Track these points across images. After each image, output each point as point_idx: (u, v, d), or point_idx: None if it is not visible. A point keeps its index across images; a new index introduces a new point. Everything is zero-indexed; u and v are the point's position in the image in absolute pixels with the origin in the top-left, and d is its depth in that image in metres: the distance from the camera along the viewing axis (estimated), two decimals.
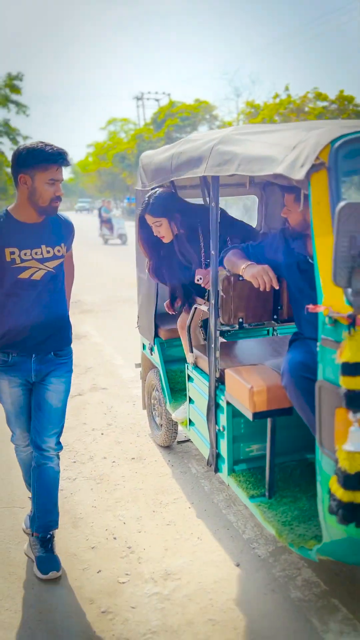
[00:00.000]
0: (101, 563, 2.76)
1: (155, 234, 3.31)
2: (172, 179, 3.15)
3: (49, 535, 2.76)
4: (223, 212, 3.19)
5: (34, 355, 2.66)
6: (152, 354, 3.88)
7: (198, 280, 3.17)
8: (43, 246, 2.56)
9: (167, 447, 3.97)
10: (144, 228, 3.37)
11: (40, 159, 2.42)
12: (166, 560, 2.76)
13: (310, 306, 1.88)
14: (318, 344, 1.92)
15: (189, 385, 3.27)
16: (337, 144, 1.98)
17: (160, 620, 2.38)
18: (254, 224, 4.05)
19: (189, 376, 3.26)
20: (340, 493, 1.74)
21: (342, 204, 1.67)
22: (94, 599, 2.52)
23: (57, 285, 2.66)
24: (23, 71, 22.24)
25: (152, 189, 3.42)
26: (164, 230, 3.27)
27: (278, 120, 25.74)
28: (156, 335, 3.78)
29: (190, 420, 3.30)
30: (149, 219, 3.27)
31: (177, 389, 3.69)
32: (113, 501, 3.31)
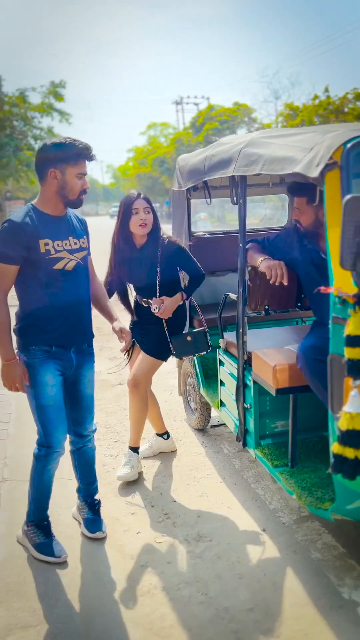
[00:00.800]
0: (140, 526, 3.06)
1: (139, 220, 3.23)
2: (205, 179, 3.44)
3: (96, 500, 3.07)
4: (182, 250, 3.39)
5: (73, 346, 2.75)
6: None
7: (154, 310, 3.33)
8: (70, 238, 2.67)
9: (201, 430, 4.25)
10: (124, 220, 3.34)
11: (72, 154, 2.53)
12: (199, 525, 3.04)
13: (322, 288, 2.14)
14: (330, 322, 2.18)
15: (220, 369, 3.55)
16: (348, 145, 2.23)
17: (192, 574, 2.66)
18: (284, 221, 4.31)
19: (220, 361, 3.55)
20: (334, 446, 2.00)
21: (348, 197, 1.93)
22: (134, 555, 2.82)
23: (86, 277, 2.76)
24: (65, 78, 22.87)
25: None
26: (149, 220, 3.25)
27: (317, 122, 25.75)
28: (191, 325, 4.06)
29: (221, 402, 3.58)
30: (141, 203, 3.22)
31: (209, 375, 3.97)
32: (151, 475, 3.62)
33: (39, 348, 2.65)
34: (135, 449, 3.61)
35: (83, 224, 2.84)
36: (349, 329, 1.98)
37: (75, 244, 2.69)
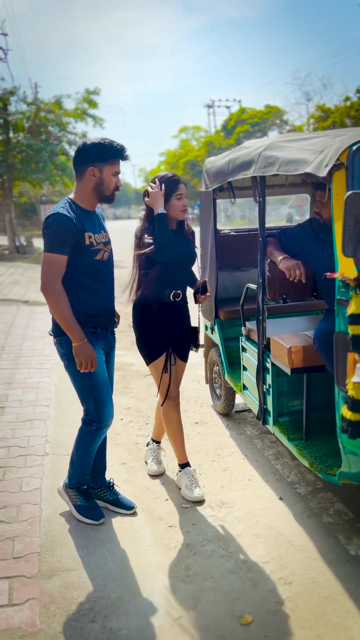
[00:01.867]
0: (168, 493, 3.38)
1: (181, 206, 3.19)
2: (229, 180, 3.75)
3: (111, 481, 3.29)
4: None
5: (109, 328, 3.03)
6: (212, 333, 4.48)
7: (198, 295, 3.32)
8: (102, 231, 2.91)
9: (226, 415, 4.55)
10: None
11: (111, 154, 2.76)
12: (221, 494, 3.35)
13: (328, 273, 2.43)
14: (335, 303, 2.46)
15: (242, 355, 3.85)
16: (354, 148, 2.52)
17: (214, 533, 2.97)
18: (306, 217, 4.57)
19: (242, 347, 3.84)
20: (349, 415, 2.28)
21: (349, 192, 2.22)
22: (163, 517, 3.14)
23: (113, 266, 3.01)
24: (100, 83, 23.41)
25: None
26: (186, 203, 3.23)
27: (349, 124, 25.74)
28: (216, 316, 4.37)
29: (243, 385, 3.88)
30: (183, 189, 3.20)
31: (233, 363, 4.27)
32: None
33: (87, 330, 2.84)
34: (185, 465, 3.43)
35: (103, 218, 3.07)
36: (351, 309, 2.27)
37: (105, 237, 2.94)
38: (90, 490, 3.19)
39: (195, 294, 3.36)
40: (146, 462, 3.74)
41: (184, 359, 3.47)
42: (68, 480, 3.15)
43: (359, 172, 2.57)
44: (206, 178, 4.33)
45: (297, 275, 3.17)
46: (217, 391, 4.62)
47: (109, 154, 2.77)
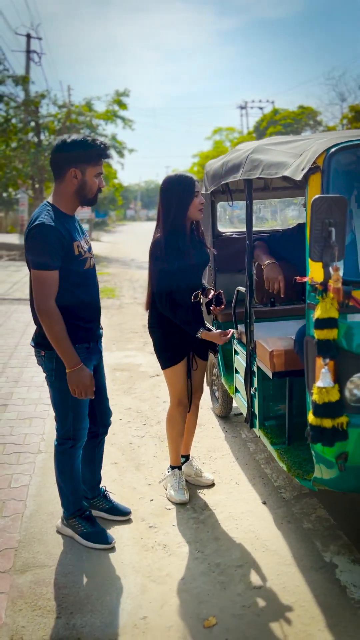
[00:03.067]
0: (154, 495, 3.40)
1: (199, 205, 3.07)
2: (222, 183, 3.75)
3: (105, 489, 3.21)
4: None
5: (99, 339, 2.89)
6: None
7: (211, 297, 3.27)
8: (84, 237, 2.72)
9: (224, 418, 4.55)
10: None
11: (95, 155, 2.53)
12: (207, 497, 3.35)
13: (298, 277, 2.41)
14: (306, 307, 2.45)
15: (235, 358, 3.84)
16: (331, 152, 2.50)
17: (193, 535, 2.97)
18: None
19: (235, 350, 3.84)
20: (311, 419, 2.26)
21: (315, 197, 2.20)
22: (145, 518, 3.16)
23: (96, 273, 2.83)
24: (132, 86, 23.59)
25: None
26: (203, 201, 3.11)
27: None
28: (214, 318, 4.37)
29: (235, 388, 3.87)
30: (199, 186, 3.10)
31: (229, 366, 4.26)
32: None
33: (81, 346, 2.68)
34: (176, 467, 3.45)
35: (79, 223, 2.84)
36: (317, 313, 2.25)
37: (87, 242, 2.75)
38: (86, 500, 3.06)
39: (208, 305, 3.30)
40: (165, 488, 3.46)
41: (205, 358, 3.42)
42: (66, 512, 2.94)
43: (335, 176, 2.56)
44: (206, 180, 4.34)
45: (275, 289, 3.16)
46: (216, 394, 4.62)
47: (92, 154, 2.56)
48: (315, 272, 2.36)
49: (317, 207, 2.19)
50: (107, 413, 3.08)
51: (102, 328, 2.96)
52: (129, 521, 3.11)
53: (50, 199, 2.64)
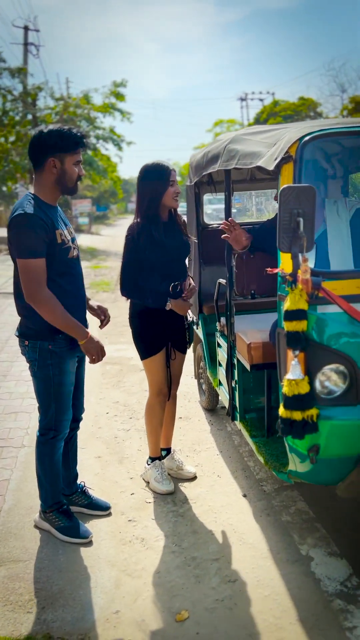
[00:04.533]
0: (135, 488, 3.39)
1: (174, 193, 3.08)
2: (203, 173, 3.71)
3: (83, 484, 3.20)
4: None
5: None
6: (197, 328, 4.46)
7: (188, 287, 3.19)
8: (67, 227, 2.73)
9: (211, 410, 4.53)
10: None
11: (71, 143, 2.57)
12: (188, 490, 3.34)
13: (269, 269, 2.38)
14: (277, 299, 2.42)
15: (218, 350, 3.82)
16: (303, 141, 2.46)
17: (171, 529, 2.96)
18: None
19: (217, 343, 3.82)
20: (281, 411, 2.24)
21: (283, 186, 2.17)
22: (125, 512, 3.15)
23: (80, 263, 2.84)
24: (133, 78, 23.48)
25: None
26: (178, 190, 3.13)
27: None
28: (200, 311, 4.35)
29: (219, 381, 3.85)
30: (175, 175, 3.11)
31: (215, 359, 4.24)
32: None
33: (64, 336, 2.68)
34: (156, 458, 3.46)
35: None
36: (286, 305, 2.22)
37: (71, 233, 2.77)
38: (64, 497, 3.03)
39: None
40: (147, 482, 3.43)
41: (184, 351, 3.43)
42: (43, 504, 2.93)
43: (307, 165, 2.53)
44: (190, 172, 4.31)
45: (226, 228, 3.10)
46: (203, 386, 4.60)
47: (69, 142, 2.59)
48: (286, 264, 2.33)
49: (286, 197, 2.15)
50: (80, 408, 3.08)
51: (86, 320, 2.90)
52: (108, 515, 3.10)
53: (31, 190, 2.67)
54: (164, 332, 3.23)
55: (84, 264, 16.68)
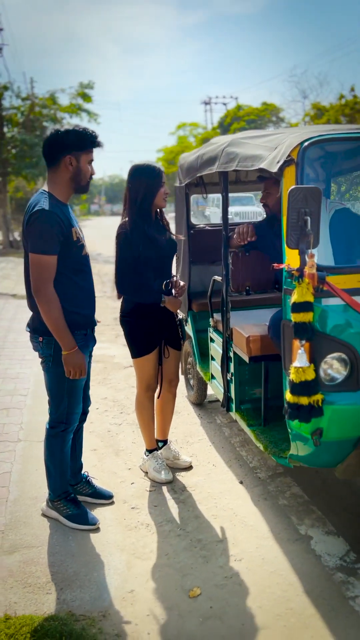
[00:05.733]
0: (134, 478, 3.50)
1: (164, 194, 3.21)
2: (198, 175, 3.86)
3: (87, 474, 3.31)
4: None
5: (94, 328, 2.96)
6: (186, 325, 4.60)
7: (178, 286, 3.31)
8: (78, 224, 2.81)
9: (199, 405, 4.67)
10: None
11: (88, 142, 2.67)
12: (186, 478, 3.47)
13: (275, 264, 2.54)
14: (282, 293, 2.59)
15: (211, 345, 3.97)
16: (304, 145, 2.63)
17: (174, 515, 3.09)
18: None
19: (210, 338, 3.97)
20: (288, 397, 2.40)
21: (291, 187, 2.33)
22: (127, 500, 3.26)
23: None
24: (96, 79, 23.49)
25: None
26: (167, 191, 3.24)
27: (343, 121, 25.83)
28: (189, 309, 4.49)
29: (211, 375, 4.00)
30: (164, 175, 3.21)
31: (205, 354, 4.38)
32: None
33: (80, 332, 2.77)
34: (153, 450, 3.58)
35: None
36: (294, 298, 2.39)
37: (81, 230, 2.84)
38: (69, 487, 3.10)
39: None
40: (145, 472, 3.54)
41: (179, 348, 3.51)
42: (52, 494, 3.01)
43: (308, 168, 2.70)
44: (180, 173, 4.44)
45: (244, 233, 3.28)
46: (191, 382, 4.74)
47: (86, 142, 2.68)
48: (291, 259, 2.49)
49: (294, 197, 2.32)
50: (88, 400, 3.18)
51: (95, 320, 3.01)
52: (111, 504, 3.20)
53: (45, 188, 2.72)
54: (157, 330, 3.34)
55: None
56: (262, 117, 36.10)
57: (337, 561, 2.64)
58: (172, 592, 2.49)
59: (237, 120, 36.68)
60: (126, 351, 6.35)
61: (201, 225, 4.97)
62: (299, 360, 2.38)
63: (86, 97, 22.38)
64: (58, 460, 2.96)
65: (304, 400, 2.39)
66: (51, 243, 2.59)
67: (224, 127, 38.34)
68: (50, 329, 2.66)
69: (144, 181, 3.17)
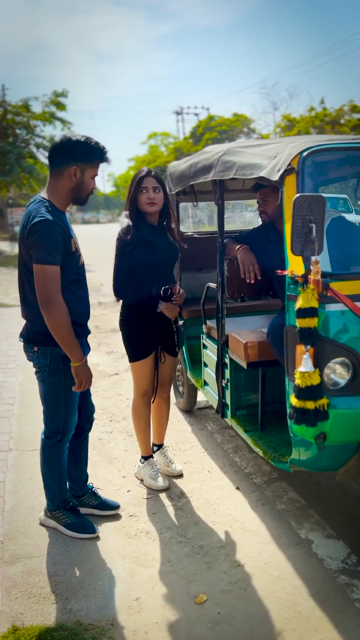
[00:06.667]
0: (130, 486, 3.49)
1: (146, 199, 3.16)
2: (191, 183, 3.89)
3: (93, 485, 3.26)
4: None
5: (88, 336, 2.96)
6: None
7: (176, 294, 3.29)
8: (74, 234, 2.77)
9: (188, 412, 4.68)
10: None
11: (97, 156, 2.63)
12: (182, 485, 3.47)
13: (279, 271, 2.58)
14: (285, 299, 2.62)
15: (203, 352, 3.99)
16: (304, 154, 2.69)
17: (173, 521, 3.08)
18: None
19: (203, 344, 3.99)
20: (294, 402, 2.43)
21: (296, 195, 2.37)
22: (124, 508, 3.24)
23: None
24: (68, 88, 23.51)
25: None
26: (159, 199, 3.19)
27: (313, 133, 26.33)
28: (180, 315, 4.50)
29: (204, 381, 4.02)
30: (150, 182, 3.17)
31: (195, 360, 4.40)
32: None
33: (78, 341, 2.72)
34: (149, 457, 3.58)
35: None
36: (299, 304, 2.42)
37: (77, 239, 2.80)
38: (75, 498, 3.10)
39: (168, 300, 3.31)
40: (141, 480, 3.54)
41: (174, 354, 3.50)
42: (50, 504, 2.98)
43: (309, 176, 2.75)
44: (170, 181, 4.47)
45: (250, 271, 3.30)
46: (180, 389, 4.75)
47: (94, 155, 2.64)
48: (295, 265, 2.54)
49: (299, 205, 2.36)
50: (91, 409, 3.14)
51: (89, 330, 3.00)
52: (117, 514, 3.15)
53: (44, 195, 2.67)
54: (154, 335, 3.35)
55: None
56: (234, 127, 36.52)
57: (339, 564, 2.67)
58: (179, 599, 2.48)
59: (209, 130, 37.01)
60: (110, 359, 6.37)
61: (189, 233, 5.01)
62: (305, 365, 2.41)
63: (60, 106, 22.37)
64: (55, 471, 2.92)
65: (310, 405, 2.42)
66: (55, 253, 2.56)
67: (196, 137, 38.63)
68: (58, 341, 2.61)
69: (130, 186, 3.23)
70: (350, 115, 26.84)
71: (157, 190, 3.18)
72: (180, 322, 3.52)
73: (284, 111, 36.53)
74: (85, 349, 2.93)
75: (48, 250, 2.53)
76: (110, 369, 6.00)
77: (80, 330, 2.81)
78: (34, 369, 2.85)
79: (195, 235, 4.95)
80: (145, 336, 3.34)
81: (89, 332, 2.96)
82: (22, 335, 2.84)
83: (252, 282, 3.35)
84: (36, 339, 2.73)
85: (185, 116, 67.62)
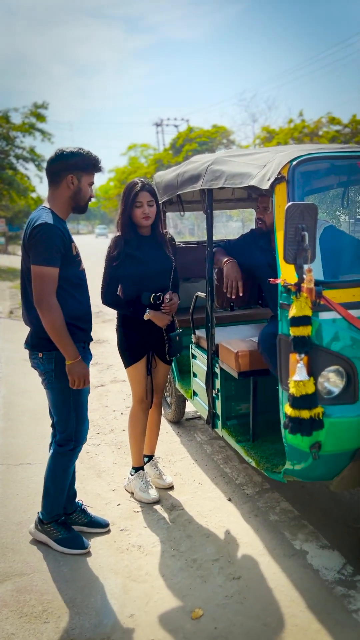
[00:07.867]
0: (120, 499, 3.43)
1: (142, 214, 3.17)
2: (178, 193, 3.88)
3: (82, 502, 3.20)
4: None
5: (90, 342, 2.95)
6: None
7: (167, 302, 3.25)
8: (74, 241, 2.86)
9: (176, 423, 4.64)
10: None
11: (91, 165, 2.75)
12: (173, 498, 3.42)
13: (271, 279, 2.57)
14: (278, 308, 2.61)
15: (192, 362, 3.96)
16: (294, 163, 2.69)
17: (166, 535, 3.03)
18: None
19: (192, 354, 3.96)
20: (289, 411, 2.41)
21: (289, 204, 2.37)
22: (114, 522, 3.18)
23: None
24: (47, 100, 23.48)
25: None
26: (153, 212, 3.20)
27: (292, 144, 26.63)
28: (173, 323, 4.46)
29: (193, 392, 3.98)
30: (145, 196, 3.17)
31: (184, 371, 4.37)
32: (130, 460, 3.97)
33: (78, 345, 2.75)
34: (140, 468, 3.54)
35: None
36: (292, 312, 2.41)
37: (77, 247, 2.84)
38: (65, 516, 3.02)
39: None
40: (131, 493, 3.50)
41: (167, 362, 3.47)
42: (45, 515, 2.93)
43: (299, 185, 2.75)
44: (156, 191, 4.44)
45: (233, 287, 3.29)
46: (168, 399, 4.71)
47: (88, 163, 2.76)
48: (287, 274, 2.53)
49: (291, 213, 2.35)
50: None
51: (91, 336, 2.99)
52: (107, 532, 3.08)
53: (46, 204, 2.77)
54: (144, 341, 3.33)
55: (6, 285, 16.35)
56: (213, 139, 36.80)
57: (335, 575, 2.65)
58: (174, 615, 2.43)
59: (189, 142, 37.23)
60: (95, 370, 6.30)
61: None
62: (299, 374, 2.40)
63: (40, 117, 22.34)
64: (59, 480, 2.91)
65: (305, 414, 2.40)
66: (53, 255, 2.61)
67: (176, 148, 38.83)
68: (53, 339, 2.65)
69: (124, 200, 3.21)
70: (329, 127, 27.21)
71: (151, 205, 3.19)
72: (179, 331, 3.46)
73: (263, 123, 36.89)
74: (87, 353, 2.92)
75: (46, 251, 2.60)
76: (95, 381, 5.93)
77: (82, 335, 2.82)
78: (41, 378, 2.87)
79: (181, 245, 4.93)
80: (135, 341, 3.34)
81: (91, 338, 2.95)
82: (26, 342, 2.88)
83: (234, 297, 3.34)
84: (41, 344, 2.76)
85: (165, 128, 67.96)
